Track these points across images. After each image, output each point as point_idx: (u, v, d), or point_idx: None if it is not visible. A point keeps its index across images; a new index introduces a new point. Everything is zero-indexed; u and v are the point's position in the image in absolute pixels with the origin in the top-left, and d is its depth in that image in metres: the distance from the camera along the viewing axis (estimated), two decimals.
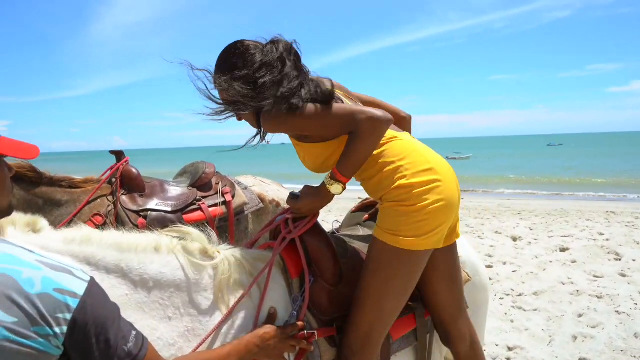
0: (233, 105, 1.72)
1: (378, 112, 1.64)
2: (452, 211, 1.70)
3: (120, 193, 2.71)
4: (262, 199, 3.05)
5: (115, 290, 1.33)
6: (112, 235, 1.43)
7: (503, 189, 21.10)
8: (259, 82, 1.68)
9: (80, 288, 0.99)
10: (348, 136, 1.67)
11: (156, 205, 2.72)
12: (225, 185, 2.94)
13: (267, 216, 3.04)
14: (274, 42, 1.78)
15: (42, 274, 0.96)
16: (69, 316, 0.95)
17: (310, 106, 1.66)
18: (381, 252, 1.66)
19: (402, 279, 1.66)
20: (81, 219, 2.53)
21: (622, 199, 16.23)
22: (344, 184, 1.68)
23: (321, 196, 1.68)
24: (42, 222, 1.32)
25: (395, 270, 1.64)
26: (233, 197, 2.90)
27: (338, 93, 1.82)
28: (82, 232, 1.39)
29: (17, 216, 1.27)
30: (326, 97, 1.68)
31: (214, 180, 2.97)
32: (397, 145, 1.73)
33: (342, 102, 1.76)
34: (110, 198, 2.72)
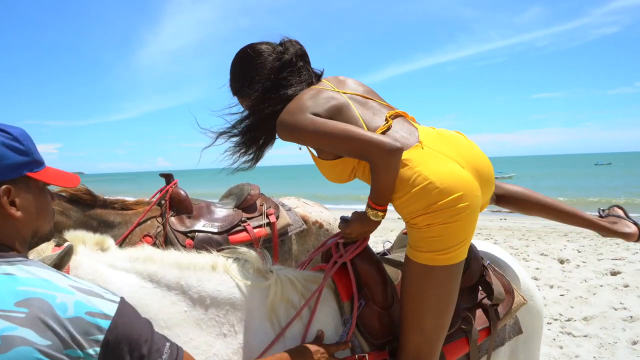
0: (252, 114, 1.81)
1: (387, 144, 1.59)
2: (473, 219, 1.64)
3: (169, 215, 2.81)
4: (305, 221, 3.09)
5: (176, 307, 1.38)
6: (173, 254, 1.50)
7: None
8: (269, 87, 1.77)
9: (112, 309, 1.03)
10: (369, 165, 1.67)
11: (203, 226, 2.80)
12: (270, 207, 3.00)
13: (310, 237, 3.07)
14: (283, 44, 1.85)
15: (75, 298, 1.00)
16: (101, 337, 0.99)
17: (318, 121, 1.68)
18: (410, 270, 1.65)
19: (435, 296, 1.62)
20: (132, 240, 2.63)
21: None
22: (383, 211, 1.69)
23: (367, 222, 1.70)
24: (109, 241, 1.40)
25: (426, 287, 1.61)
26: (277, 218, 2.95)
27: (354, 95, 1.84)
28: (145, 251, 1.47)
29: (87, 235, 1.36)
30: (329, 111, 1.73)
31: (258, 202, 3.03)
32: (416, 162, 1.65)
33: (354, 112, 1.78)
34: (159, 219, 2.82)
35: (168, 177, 2.98)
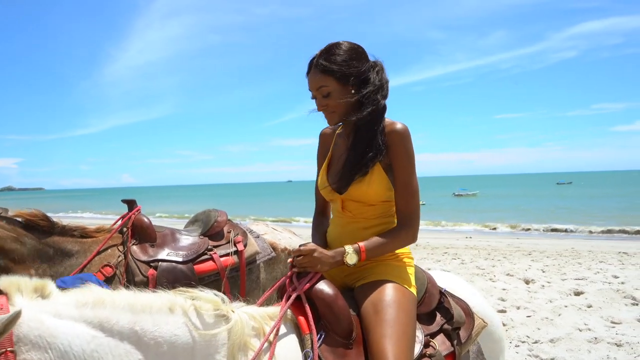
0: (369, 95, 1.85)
1: (417, 229, 1.89)
2: None
3: (131, 243, 2.67)
4: (274, 248, 3.01)
5: (130, 356, 1.28)
6: (125, 295, 1.39)
7: (509, 228, 20.90)
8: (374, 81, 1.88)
9: None
10: (396, 223, 1.89)
11: (167, 255, 2.68)
12: (237, 234, 2.90)
13: (279, 265, 2.99)
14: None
15: None
16: None
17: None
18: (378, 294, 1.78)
19: (397, 320, 1.71)
20: (91, 270, 2.49)
21: (632, 237, 16.01)
22: (361, 260, 1.79)
23: (333, 261, 1.76)
24: (49, 286, 1.28)
25: (389, 311, 1.74)
26: (245, 246, 2.86)
27: None
28: (93, 293, 1.34)
29: (23, 281, 1.23)
30: None
31: (225, 229, 2.93)
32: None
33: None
34: (120, 248, 2.68)
35: (130, 203, 2.84)
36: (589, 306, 6.18)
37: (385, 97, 1.91)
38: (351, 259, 1.76)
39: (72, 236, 2.62)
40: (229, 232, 2.91)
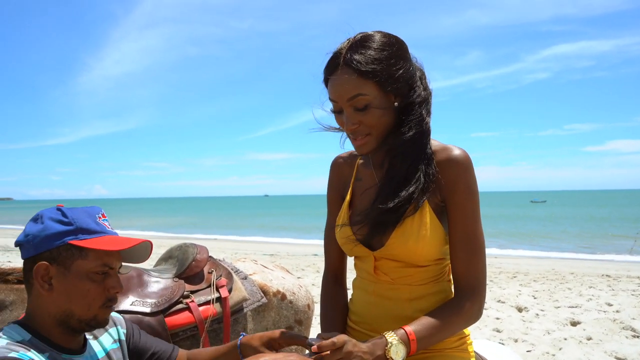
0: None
1: (484, 300, 1.39)
2: None
3: None
4: (264, 292, 2.44)
5: None
6: None
7: (489, 246, 20.72)
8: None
9: None
10: (454, 291, 1.40)
11: (131, 304, 2.09)
12: (221, 276, 2.34)
13: (270, 312, 2.44)
14: None
15: None
16: None
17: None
18: None
19: None
20: None
21: (611, 260, 15.96)
22: (410, 354, 1.24)
23: (371, 359, 1.19)
24: None
25: None
26: (230, 291, 2.30)
27: None
28: None
29: None
30: None
31: (206, 269, 2.36)
32: None
33: None
34: None
35: None
36: (589, 338, 5.82)
37: (429, 113, 1.38)
38: (397, 354, 1.21)
39: (6, 282, 2.03)
40: (210, 273, 2.34)
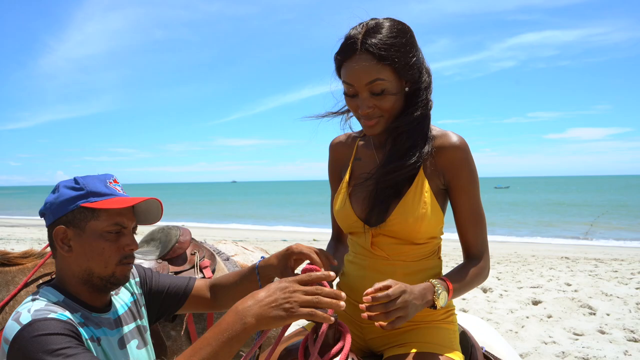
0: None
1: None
2: None
3: None
4: None
5: None
6: None
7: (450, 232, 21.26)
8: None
9: (12, 334, 1.14)
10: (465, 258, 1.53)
11: None
12: (204, 257, 2.39)
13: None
14: None
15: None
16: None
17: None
18: None
19: None
20: (16, 307, 1.93)
21: (569, 242, 16.63)
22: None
23: (423, 303, 1.29)
24: None
25: None
26: (213, 271, 2.36)
27: None
28: None
29: None
30: None
31: (189, 251, 2.41)
32: None
33: None
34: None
35: None
36: (549, 316, 6.13)
37: (429, 98, 1.48)
38: (442, 299, 1.32)
39: None
40: (193, 255, 2.40)
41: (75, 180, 1.33)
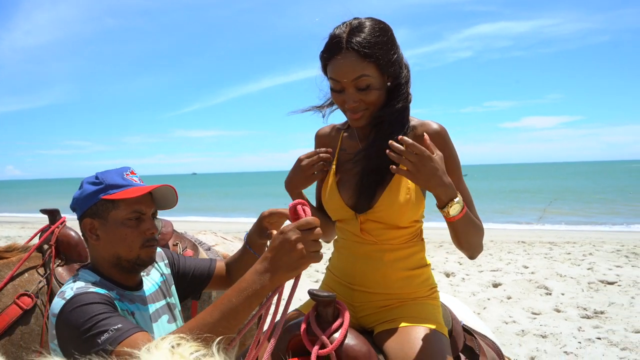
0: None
1: None
2: None
3: (55, 264, 2.13)
4: None
5: None
6: None
7: None
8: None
9: (58, 308, 1.29)
10: None
11: None
12: (186, 248, 2.45)
13: None
14: None
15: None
16: (54, 331, 1.27)
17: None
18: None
19: None
20: (2, 302, 1.94)
21: (524, 229, 17.32)
22: (458, 217, 1.40)
23: (443, 183, 1.36)
24: None
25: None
26: None
27: None
28: None
29: None
30: None
31: (171, 242, 2.46)
32: None
33: None
34: (42, 271, 2.11)
35: (53, 214, 2.24)
36: (509, 297, 6.44)
37: (409, 91, 1.59)
38: (455, 208, 1.36)
39: None
40: (175, 245, 2.45)
41: (96, 176, 1.47)
